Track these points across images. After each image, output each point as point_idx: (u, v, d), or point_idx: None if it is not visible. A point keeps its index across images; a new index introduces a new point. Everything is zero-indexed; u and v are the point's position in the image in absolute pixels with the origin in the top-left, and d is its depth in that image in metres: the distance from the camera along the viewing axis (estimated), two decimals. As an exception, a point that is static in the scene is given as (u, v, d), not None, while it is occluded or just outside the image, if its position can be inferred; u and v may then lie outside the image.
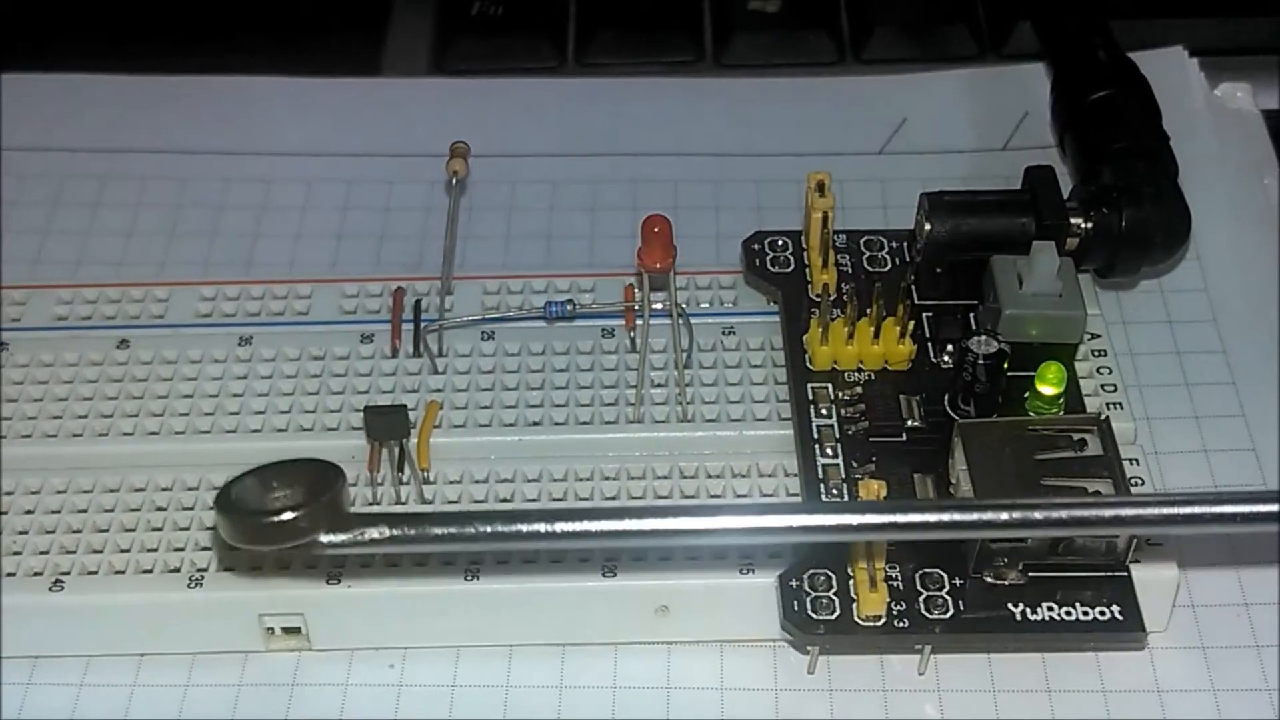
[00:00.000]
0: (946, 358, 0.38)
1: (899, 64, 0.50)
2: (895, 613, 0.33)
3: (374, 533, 0.30)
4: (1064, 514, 0.29)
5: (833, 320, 0.37)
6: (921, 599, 0.33)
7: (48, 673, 0.35)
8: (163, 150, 0.47)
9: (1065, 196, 0.39)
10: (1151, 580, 0.34)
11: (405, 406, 0.36)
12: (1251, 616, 0.36)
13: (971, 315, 0.38)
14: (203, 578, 0.34)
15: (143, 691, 0.35)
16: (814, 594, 0.33)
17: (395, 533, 0.30)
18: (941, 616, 0.33)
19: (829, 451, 0.36)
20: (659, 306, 0.38)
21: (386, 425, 0.36)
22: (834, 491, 0.35)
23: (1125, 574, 0.34)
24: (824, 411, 0.37)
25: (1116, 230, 0.39)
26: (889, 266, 0.40)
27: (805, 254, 0.40)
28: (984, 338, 0.35)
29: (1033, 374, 0.35)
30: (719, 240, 0.44)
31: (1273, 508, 0.29)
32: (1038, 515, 0.29)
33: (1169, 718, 0.34)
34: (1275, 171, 0.45)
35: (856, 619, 0.33)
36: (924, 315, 0.38)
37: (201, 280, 0.41)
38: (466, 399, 0.38)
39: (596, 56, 0.50)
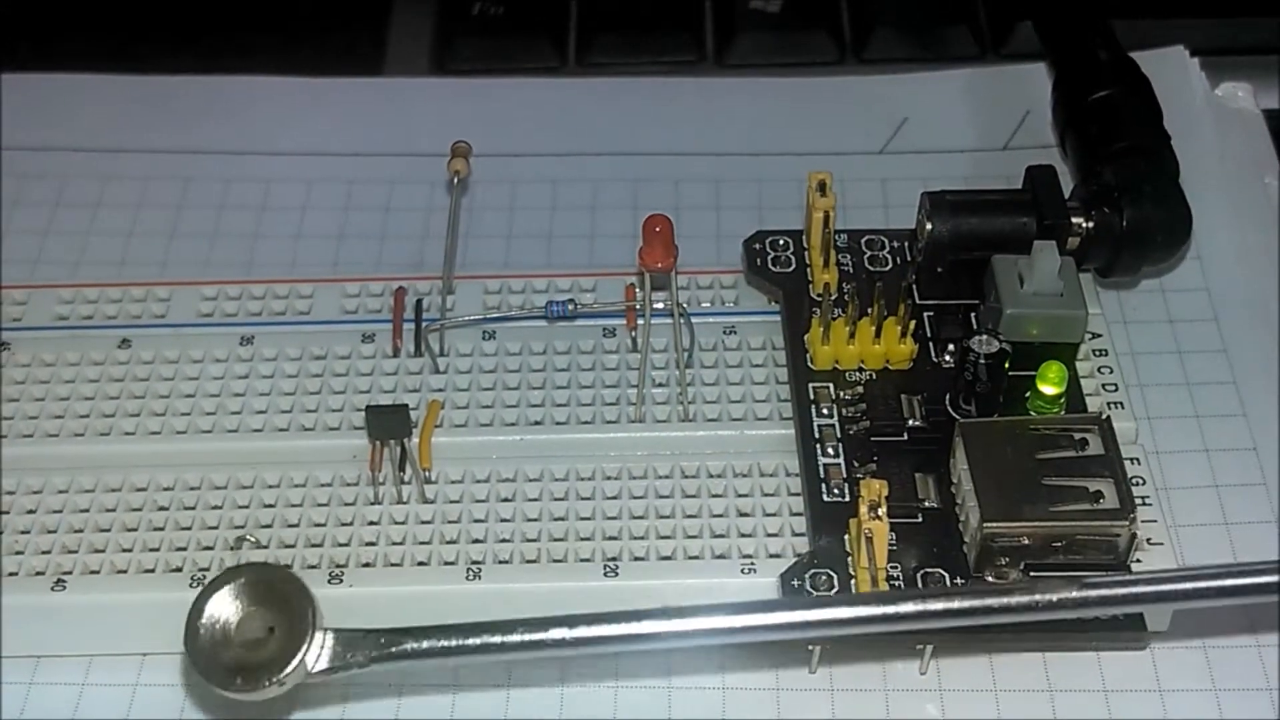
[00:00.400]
0: (948, 357, 0.38)
1: (900, 64, 0.50)
2: (897, 612, 0.33)
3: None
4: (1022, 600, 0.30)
5: (834, 320, 0.37)
6: (923, 598, 0.33)
7: (50, 672, 0.35)
8: (164, 150, 0.47)
9: (1066, 196, 0.39)
10: (1153, 579, 0.34)
11: (407, 406, 0.36)
12: (1253, 616, 0.36)
13: (973, 315, 0.38)
14: (205, 577, 0.34)
15: (145, 691, 0.35)
16: (816, 593, 0.33)
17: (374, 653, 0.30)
18: (943, 616, 0.33)
19: (830, 451, 0.36)
20: (660, 306, 0.38)
21: (388, 425, 0.36)
22: (835, 491, 0.35)
23: (1126, 573, 0.34)
24: (825, 411, 0.37)
25: (1117, 229, 0.39)
26: (890, 266, 0.40)
27: (806, 253, 0.40)
28: (985, 337, 0.35)
29: (1034, 373, 0.35)
30: (720, 240, 0.44)
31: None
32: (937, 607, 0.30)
33: (1170, 717, 0.34)
34: (1276, 171, 0.45)
35: (858, 618, 0.33)
36: (925, 315, 0.38)
37: (203, 280, 0.41)
38: (468, 398, 0.38)
39: (598, 56, 0.50)
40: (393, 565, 0.35)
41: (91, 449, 0.37)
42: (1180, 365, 0.41)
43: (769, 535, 0.35)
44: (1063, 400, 0.35)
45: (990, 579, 0.33)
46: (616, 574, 0.34)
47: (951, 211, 0.38)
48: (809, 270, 0.40)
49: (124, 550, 0.35)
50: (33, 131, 0.47)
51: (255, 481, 0.36)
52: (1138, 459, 0.36)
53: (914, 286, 0.39)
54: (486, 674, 0.35)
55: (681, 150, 0.47)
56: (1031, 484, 0.33)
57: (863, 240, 0.40)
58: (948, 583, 0.33)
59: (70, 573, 0.35)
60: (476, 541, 0.35)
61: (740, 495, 0.36)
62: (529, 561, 0.35)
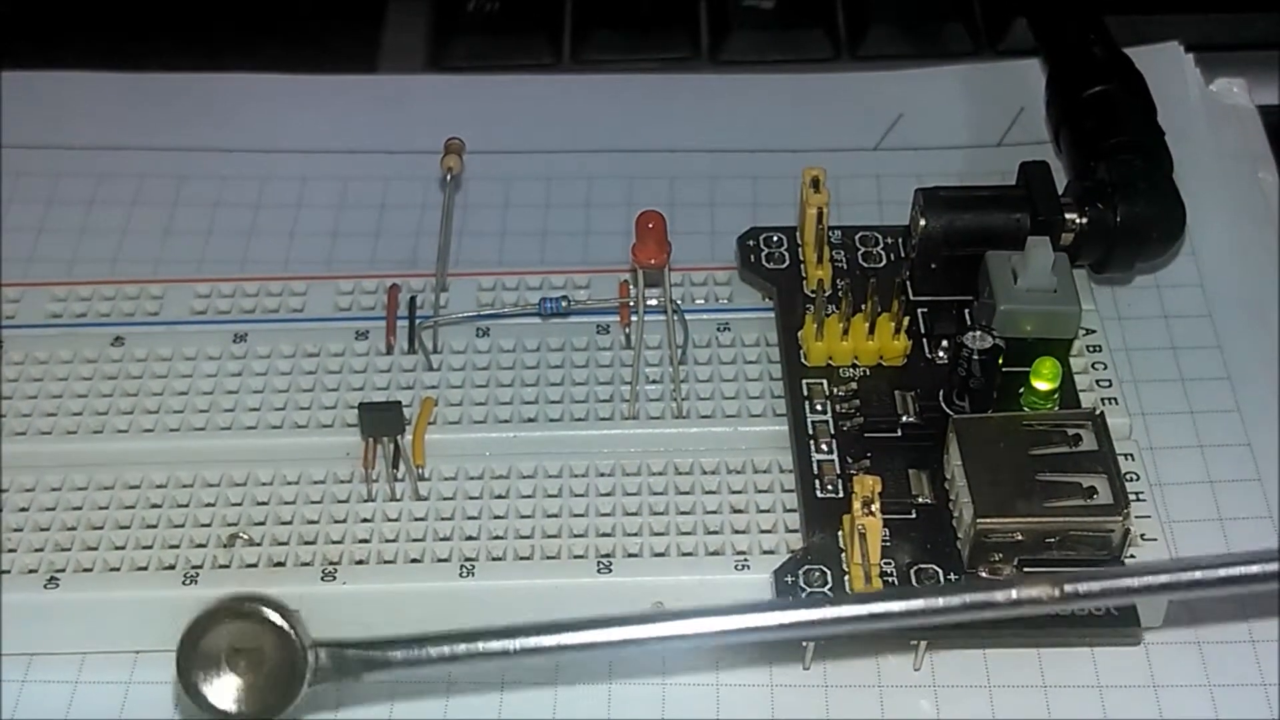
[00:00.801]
0: (941, 353, 0.38)
1: (894, 60, 0.50)
2: (890, 608, 0.33)
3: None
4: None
5: (828, 316, 0.37)
6: (916, 594, 0.33)
7: (43, 670, 0.35)
8: (158, 147, 0.47)
9: (1060, 192, 0.39)
10: (1147, 575, 0.34)
11: (400, 403, 0.36)
12: (1247, 611, 0.36)
13: (966, 311, 0.38)
14: (198, 574, 0.34)
15: (138, 689, 0.35)
16: (809, 589, 0.33)
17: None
18: (936, 612, 0.33)
19: (824, 447, 0.36)
20: (654, 303, 0.38)
21: (381, 422, 0.36)
22: (829, 487, 0.35)
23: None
24: (819, 407, 0.37)
25: (1111, 225, 0.39)
26: (884, 262, 0.40)
27: (800, 250, 0.40)
28: (979, 333, 0.35)
29: (1028, 369, 0.35)
30: (714, 236, 0.44)
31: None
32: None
33: (1165, 713, 0.34)
34: (1271, 166, 0.45)
35: (851, 615, 0.33)
36: (919, 311, 0.38)
37: (196, 278, 0.41)
38: (461, 395, 0.38)
39: (592, 53, 0.50)
40: (386, 563, 0.35)
41: (85, 447, 0.37)
42: (1174, 361, 0.41)
43: (763, 532, 0.35)
44: (1057, 396, 0.35)
45: (984, 574, 0.33)
46: (610, 570, 0.34)
47: (945, 207, 0.38)
48: (803, 266, 0.40)
49: (117, 548, 0.35)
50: (26, 129, 0.47)
51: (248, 479, 0.36)
52: (1132, 455, 0.36)
53: (908, 283, 0.39)
54: (482, 675, 0.35)
55: (676, 147, 0.47)
56: (1025, 480, 0.33)
57: (857, 236, 0.40)
58: (941, 579, 0.33)
59: (63, 570, 0.35)
60: (470, 539, 0.35)
61: (734, 492, 0.36)
62: (523, 558, 0.35)
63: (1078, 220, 0.39)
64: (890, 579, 0.33)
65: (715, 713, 0.34)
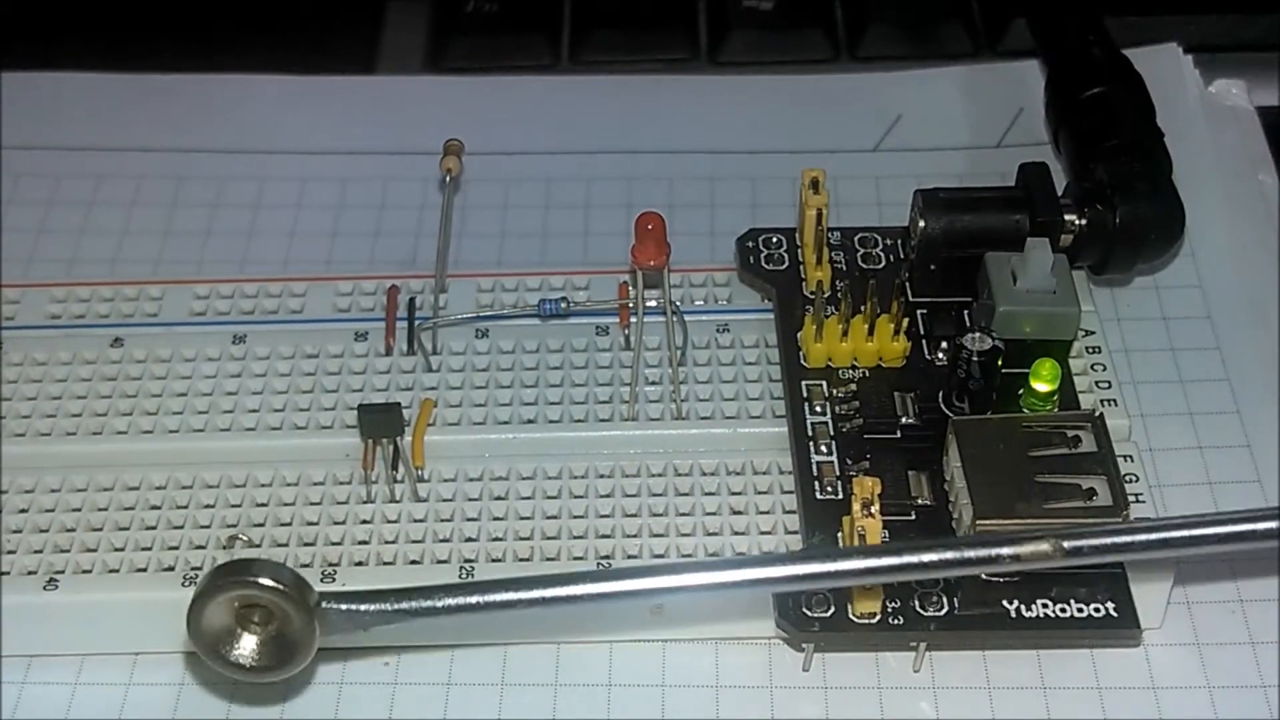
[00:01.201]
0: (941, 355, 0.38)
1: (894, 61, 0.50)
2: (890, 610, 0.33)
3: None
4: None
5: (827, 317, 0.37)
6: (916, 596, 0.33)
7: (43, 672, 0.35)
8: (157, 148, 0.47)
9: (1059, 193, 0.39)
10: (1146, 576, 0.34)
11: (399, 404, 0.36)
12: (1246, 613, 0.36)
13: (966, 312, 0.38)
14: (197, 576, 0.34)
15: (138, 690, 0.35)
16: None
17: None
18: (936, 614, 0.33)
19: (823, 449, 0.36)
20: (653, 304, 0.38)
21: (380, 423, 0.36)
22: (828, 489, 0.35)
23: (1120, 570, 0.34)
24: (818, 409, 0.37)
25: (1111, 227, 0.39)
26: (883, 263, 0.40)
27: (799, 251, 0.40)
28: (978, 334, 0.35)
29: (1027, 371, 0.35)
30: (713, 237, 0.44)
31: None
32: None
33: (1164, 715, 0.34)
34: (1270, 168, 0.45)
35: (851, 616, 0.33)
36: (918, 312, 0.38)
37: (195, 279, 0.41)
38: (461, 397, 0.38)
39: (591, 54, 0.50)
40: (386, 564, 0.35)
41: (84, 448, 0.37)
42: (1174, 362, 0.41)
43: (762, 533, 0.35)
44: (1056, 398, 0.35)
45: (984, 576, 0.33)
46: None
47: (944, 209, 0.38)
48: (802, 268, 0.40)
49: (116, 549, 0.35)
50: (26, 130, 0.47)
51: (248, 480, 0.36)
52: (1131, 456, 0.36)
53: (907, 284, 0.39)
54: (483, 671, 0.35)
55: (675, 148, 0.47)
56: (1025, 481, 0.33)
57: (856, 238, 0.40)
58: (941, 580, 0.33)
59: (63, 572, 0.35)
60: (469, 540, 0.35)
61: (733, 493, 0.36)
62: (522, 560, 0.35)
63: (1077, 221, 0.39)
64: (890, 580, 0.33)
65: (715, 713, 0.34)
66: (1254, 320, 0.42)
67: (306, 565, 0.35)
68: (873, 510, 0.32)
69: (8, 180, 0.46)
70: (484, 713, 0.34)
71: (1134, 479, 0.35)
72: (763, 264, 0.40)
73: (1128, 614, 0.33)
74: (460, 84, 0.49)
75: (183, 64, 0.49)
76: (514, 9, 0.51)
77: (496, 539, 0.35)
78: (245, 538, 0.35)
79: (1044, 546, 0.31)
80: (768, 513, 0.36)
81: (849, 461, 0.36)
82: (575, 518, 0.35)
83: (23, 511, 0.36)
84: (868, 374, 0.37)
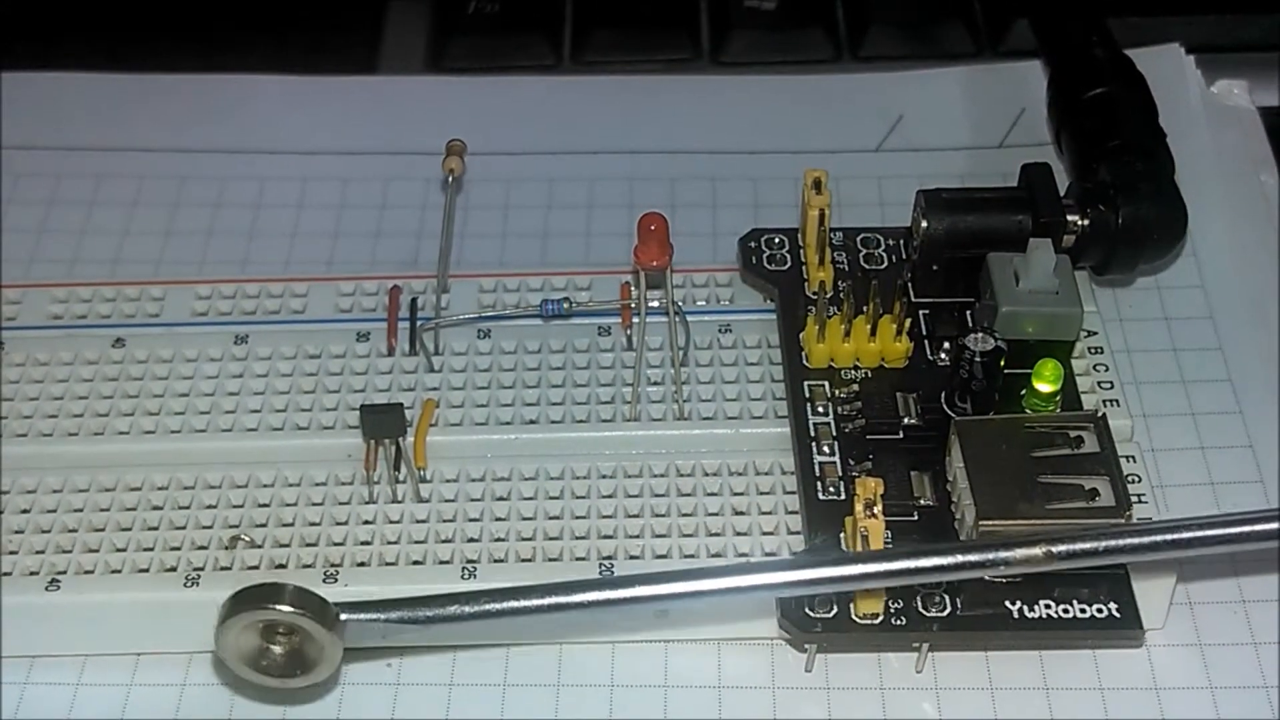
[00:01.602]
0: (943, 355, 0.38)
1: (896, 61, 0.50)
2: (893, 611, 0.33)
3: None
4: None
5: (829, 318, 0.37)
6: (919, 597, 0.33)
7: (45, 672, 0.35)
8: (158, 149, 0.47)
9: (1062, 193, 0.39)
10: (1149, 577, 0.34)
11: (401, 405, 0.36)
12: (1249, 614, 0.36)
13: (968, 312, 0.38)
14: (199, 577, 0.34)
15: (140, 691, 0.35)
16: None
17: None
18: (939, 614, 0.33)
19: (826, 449, 0.36)
20: (655, 304, 0.38)
21: (382, 424, 0.35)
22: (831, 489, 0.35)
23: (1122, 571, 0.34)
24: (821, 409, 0.37)
25: (1113, 227, 0.39)
26: (885, 264, 0.40)
27: (802, 251, 0.40)
28: (981, 335, 0.35)
29: (1029, 371, 0.35)
30: (715, 238, 0.44)
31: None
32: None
33: (1166, 715, 0.34)
34: (1271, 168, 0.45)
35: (854, 617, 0.33)
36: (921, 313, 0.38)
37: (197, 279, 0.41)
38: (463, 397, 0.38)
39: (593, 54, 0.50)
40: (388, 565, 0.35)
41: (86, 448, 0.37)
42: (1176, 363, 0.41)
43: (764, 534, 0.35)
44: (1058, 398, 0.35)
45: (986, 577, 0.33)
46: (612, 573, 0.34)
47: (947, 209, 0.38)
48: (804, 268, 0.39)
49: (118, 550, 0.35)
50: (27, 130, 0.47)
51: (250, 481, 0.36)
52: (1133, 456, 0.36)
53: (909, 284, 0.39)
54: (486, 672, 0.35)
55: (677, 148, 0.47)
56: (1027, 482, 0.33)
57: (858, 238, 0.40)
58: (942, 582, 0.33)
59: (64, 572, 0.35)
60: (472, 541, 0.35)
61: (735, 494, 0.36)
62: (524, 560, 0.35)
63: (1079, 222, 0.39)
64: (892, 581, 0.33)
65: (718, 714, 0.34)
66: (1256, 320, 0.41)
67: (309, 566, 0.35)
68: (875, 511, 0.32)
69: (8, 180, 0.46)
70: (486, 713, 0.34)
71: (1136, 479, 0.35)
72: (765, 264, 0.40)
73: (1130, 614, 0.33)
74: (461, 84, 0.49)
75: (183, 64, 0.49)
76: (515, 9, 0.51)
77: (499, 539, 0.35)
78: (247, 538, 0.35)
79: (1035, 552, 0.31)
80: (770, 513, 0.36)
81: (851, 462, 0.36)
82: (577, 518, 0.35)
83: (25, 512, 0.36)
84: (870, 374, 0.37)
